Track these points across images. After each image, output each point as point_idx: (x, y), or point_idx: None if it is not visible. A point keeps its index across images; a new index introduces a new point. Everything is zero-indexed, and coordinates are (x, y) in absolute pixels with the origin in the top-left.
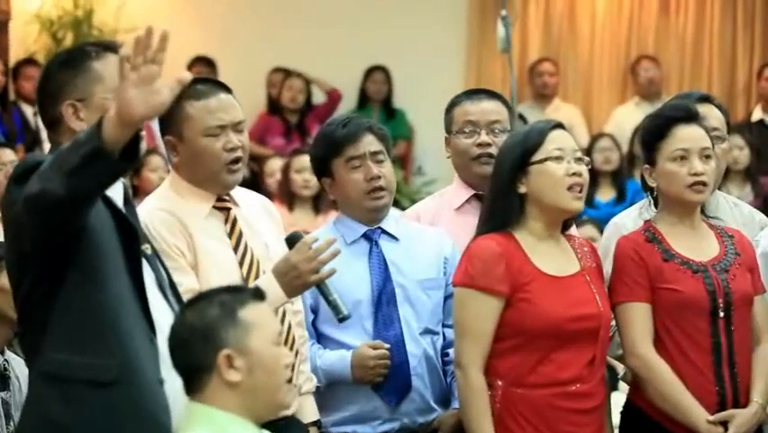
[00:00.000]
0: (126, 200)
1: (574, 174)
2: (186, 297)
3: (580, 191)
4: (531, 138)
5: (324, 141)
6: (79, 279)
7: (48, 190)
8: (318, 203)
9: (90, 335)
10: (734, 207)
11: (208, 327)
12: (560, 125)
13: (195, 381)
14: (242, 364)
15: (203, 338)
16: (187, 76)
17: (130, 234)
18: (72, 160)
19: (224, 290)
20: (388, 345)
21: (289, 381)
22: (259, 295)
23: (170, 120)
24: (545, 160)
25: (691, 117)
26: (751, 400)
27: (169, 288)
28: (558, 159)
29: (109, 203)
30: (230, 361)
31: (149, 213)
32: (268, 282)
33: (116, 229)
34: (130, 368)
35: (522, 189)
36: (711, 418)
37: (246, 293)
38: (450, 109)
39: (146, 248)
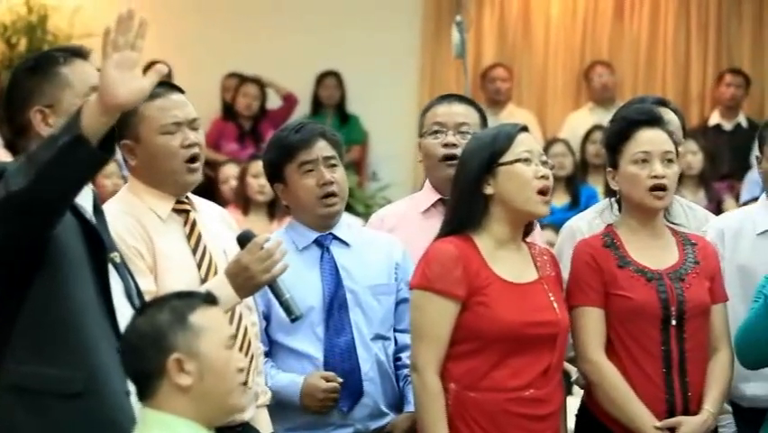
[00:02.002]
0: (96, 208)
1: (542, 177)
2: None
3: (547, 195)
4: (500, 139)
5: (277, 146)
6: (45, 289)
7: (18, 193)
8: (273, 209)
9: (56, 345)
10: (688, 211)
11: (158, 332)
12: (525, 128)
13: (146, 386)
14: (193, 368)
15: (153, 343)
16: (164, 68)
17: (97, 243)
18: (47, 154)
19: (174, 295)
20: (341, 379)
21: (244, 384)
22: (210, 300)
23: (126, 123)
24: (515, 161)
25: (655, 121)
26: (702, 408)
27: (137, 297)
28: (527, 161)
29: (76, 212)
30: (180, 365)
31: (110, 217)
32: (220, 284)
33: (83, 238)
34: (97, 379)
35: (488, 191)
36: (659, 424)
37: (197, 298)
38: (423, 114)
39: (114, 256)
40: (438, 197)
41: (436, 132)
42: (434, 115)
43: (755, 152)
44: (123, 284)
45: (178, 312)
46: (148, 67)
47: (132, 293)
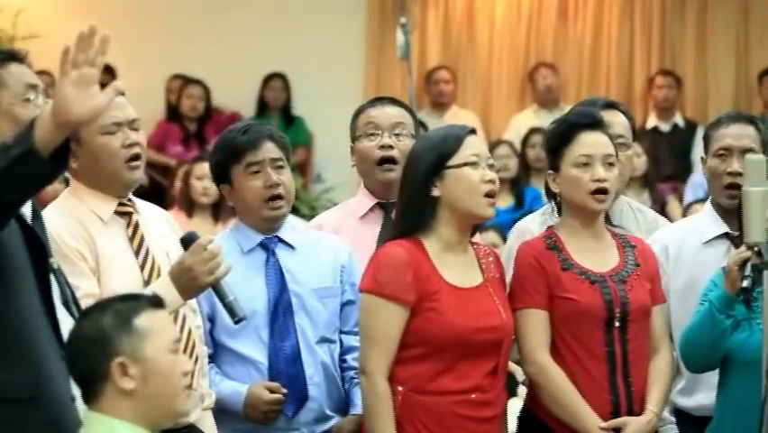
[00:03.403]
0: (35, 214)
1: (489, 181)
2: (84, 301)
3: (494, 198)
4: (448, 142)
5: (224, 147)
6: None
7: None
8: (217, 211)
9: (5, 351)
10: (638, 214)
11: (102, 336)
12: (474, 131)
13: (91, 390)
14: (136, 372)
15: (97, 347)
16: (120, 84)
17: (38, 249)
18: None
19: (119, 298)
20: (285, 391)
21: (189, 387)
22: (156, 302)
23: None
24: (463, 165)
25: (596, 124)
26: (646, 409)
27: (73, 303)
28: (474, 164)
29: (18, 217)
30: (123, 369)
31: (51, 220)
32: (163, 285)
33: (25, 244)
34: (44, 384)
35: (435, 193)
36: (604, 424)
37: (142, 301)
38: (355, 118)
39: (53, 262)
40: (375, 201)
41: (371, 134)
42: (367, 117)
43: (699, 152)
44: (59, 290)
45: (122, 316)
46: None
47: (69, 299)
